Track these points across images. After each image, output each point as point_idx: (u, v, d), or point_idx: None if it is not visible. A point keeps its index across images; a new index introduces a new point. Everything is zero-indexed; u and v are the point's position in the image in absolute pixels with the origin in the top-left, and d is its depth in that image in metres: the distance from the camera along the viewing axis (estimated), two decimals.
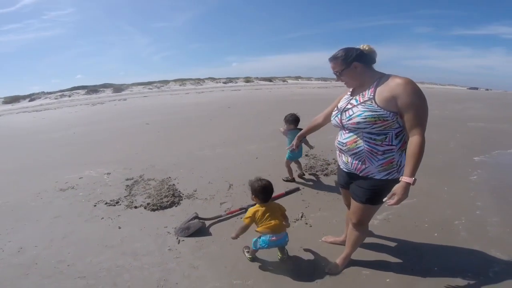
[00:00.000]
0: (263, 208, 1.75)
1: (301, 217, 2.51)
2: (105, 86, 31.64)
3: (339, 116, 1.47)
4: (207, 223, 2.43)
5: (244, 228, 1.81)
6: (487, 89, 66.23)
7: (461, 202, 2.81)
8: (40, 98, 28.09)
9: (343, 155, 1.52)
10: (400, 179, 1.27)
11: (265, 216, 1.73)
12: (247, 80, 37.57)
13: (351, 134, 1.42)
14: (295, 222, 2.44)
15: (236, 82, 36.24)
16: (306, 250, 2.07)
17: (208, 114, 9.04)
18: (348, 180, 1.58)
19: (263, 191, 1.75)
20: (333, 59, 1.41)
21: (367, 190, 1.44)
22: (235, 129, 6.52)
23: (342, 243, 1.96)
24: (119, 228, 2.44)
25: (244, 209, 2.60)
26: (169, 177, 3.45)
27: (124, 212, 2.70)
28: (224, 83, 35.71)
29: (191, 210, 2.62)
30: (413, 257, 1.96)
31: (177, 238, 2.24)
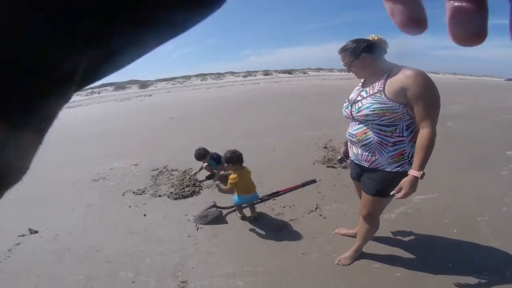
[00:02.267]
0: (243, 172, 2.20)
1: (316, 208, 2.54)
2: (131, 82, 33.10)
3: (349, 108, 1.48)
4: (224, 211, 2.56)
5: (226, 191, 2.21)
6: None
7: (488, 198, 2.66)
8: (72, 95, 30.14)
9: (353, 146, 1.52)
10: (408, 173, 1.27)
11: (244, 179, 2.20)
12: (266, 73, 37.26)
13: (361, 125, 1.42)
14: (309, 213, 2.48)
15: (255, 76, 36.12)
16: (318, 241, 2.11)
17: (228, 108, 9.19)
18: (360, 172, 1.57)
19: (240, 159, 2.19)
20: (342, 51, 1.41)
21: (377, 182, 1.43)
22: (254, 122, 6.60)
23: (354, 236, 1.97)
24: (144, 215, 2.64)
25: (260, 200, 2.69)
26: (191, 168, 3.62)
27: (149, 201, 2.91)
28: (244, 76, 35.76)
29: (210, 199, 2.75)
30: (426, 252, 1.92)
31: (196, 226, 2.40)
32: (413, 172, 1.24)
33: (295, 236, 2.19)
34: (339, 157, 1.95)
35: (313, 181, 3.06)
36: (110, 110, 12.48)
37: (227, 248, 2.11)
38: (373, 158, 1.40)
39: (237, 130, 5.81)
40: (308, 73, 37.66)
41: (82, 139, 6.50)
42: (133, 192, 3.12)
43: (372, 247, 1.93)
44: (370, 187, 1.48)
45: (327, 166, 3.47)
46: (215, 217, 2.44)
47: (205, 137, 5.30)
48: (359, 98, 1.42)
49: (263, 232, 2.27)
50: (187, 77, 36.12)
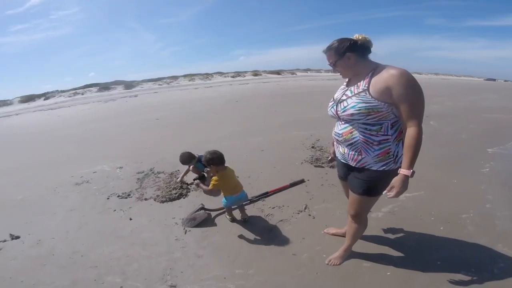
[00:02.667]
0: (225, 174, 2.13)
1: (305, 208, 2.54)
2: (116, 83, 32.22)
3: (334, 107, 1.47)
4: (213, 214, 2.52)
5: (208, 192, 2.12)
6: (505, 80, 62.90)
7: (471, 195, 2.74)
8: (54, 96, 28.98)
9: (340, 146, 1.52)
10: (398, 172, 1.27)
11: (229, 180, 2.15)
12: (255, 73, 37.32)
13: (347, 125, 1.42)
14: (298, 213, 2.48)
15: (244, 76, 36.09)
16: (308, 241, 2.10)
17: (215, 108, 9.12)
18: (346, 171, 1.57)
19: (221, 159, 2.12)
20: (328, 50, 1.41)
21: (364, 181, 1.44)
22: (241, 122, 6.57)
23: (344, 235, 1.97)
24: (130, 219, 2.55)
25: (249, 201, 2.66)
26: (178, 170, 3.54)
27: (135, 204, 2.82)
28: (232, 77, 35.63)
29: (198, 202, 2.69)
30: (415, 250, 1.94)
31: (184, 229, 2.34)
32: (403, 171, 1.25)
33: (285, 237, 2.17)
34: (330, 157, 1.93)
35: (302, 181, 3.07)
36: (93, 111, 12.07)
37: (216, 250, 2.07)
38: (360, 157, 1.40)
39: (224, 130, 5.77)
40: (296, 74, 38.05)
41: (64, 141, 6.24)
42: (118, 196, 3.01)
43: (362, 246, 1.94)
44: (357, 186, 1.48)
45: (315, 166, 3.50)
46: (204, 220, 2.40)
47: (192, 138, 5.23)
48: (344, 97, 1.42)
49: (253, 234, 2.24)
50: (175, 78, 35.60)
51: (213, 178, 2.10)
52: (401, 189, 1.26)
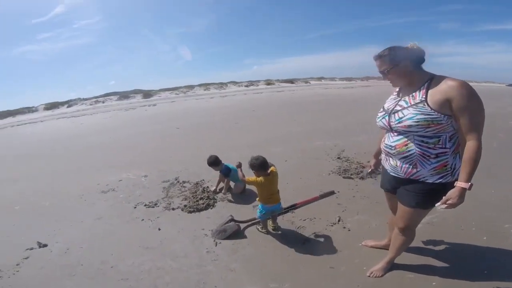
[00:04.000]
0: (265, 180, 2.10)
1: (338, 221, 2.45)
2: (135, 92, 33.39)
3: (386, 118, 1.42)
4: (242, 225, 2.46)
5: (242, 179, 2.20)
6: None
7: (510, 205, 2.61)
8: (76, 104, 30.38)
9: (390, 158, 1.46)
10: (455, 184, 1.24)
11: (266, 188, 2.14)
12: (268, 82, 37.58)
13: (401, 137, 1.36)
14: (331, 226, 2.40)
15: (257, 85, 36.40)
16: (345, 254, 2.03)
17: (233, 118, 9.16)
18: (395, 184, 1.52)
19: (262, 165, 2.10)
20: (379, 57, 1.36)
21: (418, 194, 1.38)
22: (261, 131, 6.54)
23: (384, 248, 1.94)
24: (159, 229, 2.53)
25: (286, 211, 2.59)
26: (203, 180, 3.53)
27: (162, 214, 2.81)
28: (246, 86, 36.03)
29: (226, 213, 2.65)
30: (459, 260, 1.88)
31: (214, 241, 2.29)
32: (461, 184, 1.22)
33: (320, 249, 2.10)
34: (369, 170, 1.88)
35: (332, 193, 2.96)
36: (115, 120, 12.48)
37: (248, 263, 2.00)
38: (414, 170, 1.35)
39: (243, 139, 5.75)
40: (310, 82, 37.95)
41: (89, 148, 6.45)
42: (145, 205, 3.02)
43: (402, 258, 1.85)
44: (409, 199, 1.43)
45: (344, 177, 3.37)
46: (234, 232, 2.34)
47: (213, 148, 5.21)
48: (398, 108, 1.37)
49: (285, 246, 2.16)
50: (190, 87, 36.43)
51: (253, 177, 2.14)
52: (458, 200, 1.23)
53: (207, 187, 3.30)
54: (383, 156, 1.56)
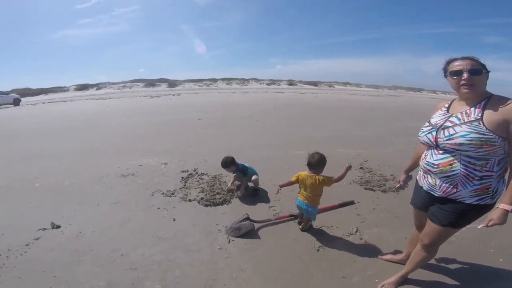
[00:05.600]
0: (305, 177, 2.19)
1: (356, 231, 2.36)
2: (161, 81, 34.45)
3: (433, 133, 1.33)
4: (256, 225, 2.41)
5: (289, 182, 2.28)
6: None
7: None
8: (105, 87, 31.91)
9: (429, 176, 1.40)
10: (497, 206, 1.22)
11: (302, 183, 2.21)
12: (290, 83, 37.24)
13: (447, 155, 1.29)
14: (348, 236, 2.31)
15: (279, 85, 36.22)
16: (359, 265, 1.96)
17: (254, 115, 9.14)
18: (429, 202, 1.46)
19: (308, 164, 2.17)
20: (470, 58, 1.26)
21: (452, 213, 1.34)
22: (280, 132, 6.46)
23: (399, 262, 1.90)
24: (174, 220, 2.52)
25: (294, 216, 2.53)
26: (221, 174, 3.52)
27: (178, 204, 2.82)
28: (268, 84, 35.97)
29: (241, 210, 2.62)
30: (472, 279, 1.83)
31: (227, 237, 2.26)
32: (505, 206, 1.19)
33: (333, 258, 2.03)
34: (398, 185, 1.81)
35: (352, 203, 2.86)
36: (140, 105, 12.91)
37: (260, 265, 1.96)
38: (454, 190, 1.30)
39: (263, 139, 5.69)
40: (334, 86, 37.13)
41: (112, 131, 6.69)
42: (162, 193, 3.05)
43: (415, 274, 1.78)
44: (441, 217, 1.38)
45: (365, 188, 3.23)
46: (248, 231, 2.30)
47: (232, 143, 5.24)
48: (448, 124, 1.29)
49: (299, 251, 2.10)
50: (214, 80, 37.03)
51: (299, 173, 2.24)
52: (499, 222, 1.21)
53: (225, 181, 3.28)
54: (420, 173, 1.50)
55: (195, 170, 3.71)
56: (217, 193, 2.94)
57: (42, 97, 26.32)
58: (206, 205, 2.76)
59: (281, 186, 2.28)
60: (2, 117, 11.60)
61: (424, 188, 1.45)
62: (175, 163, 4.05)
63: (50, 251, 2.12)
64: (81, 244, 2.20)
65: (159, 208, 2.75)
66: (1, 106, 17.14)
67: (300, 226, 2.38)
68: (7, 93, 18.90)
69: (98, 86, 32.44)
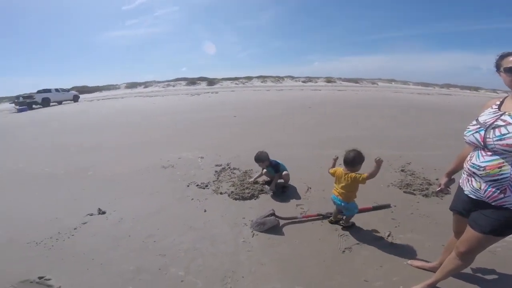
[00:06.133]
0: (340, 173, 2.18)
1: (388, 236, 2.23)
2: (201, 79, 36.09)
3: (481, 133, 1.22)
4: (282, 222, 2.42)
5: (332, 166, 2.30)
6: None
7: None
8: (152, 85, 34.55)
9: (474, 179, 1.28)
10: None
11: (337, 179, 2.22)
12: (329, 80, 35.85)
13: (496, 157, 1.17)
14: (379, 239, 2.20)
15: (316, 82, 35.15)
16: (385, 270, 1.86)
17: (288, 112, 9.06)
18: (471, 207, 1.35)
19: (344, 161, 2.13)
20: None
21: (495, 221, 1.24)
22: (316, 130, 6.30)
23: (430, 270, 1.78)
24: (205, 211, 2.66)
25: (322, 216, 2.48)
26: (251, 169, 3.60)
27: (210, 196, 2.97)
28: (303, 82, 35.19)
29: (268, 206, 2.64)
30: None
31: (252, 231, 2.31)
32: None
33: (359, 260, 1.95)
34: (439, 189, 1.68)
35: (387, 206, 2.69)
36: (182, 103, 13.73)
37: (281, 261, 1.97)
38: (501, 196, 1.19)
39: (298, 137, 5.62)
40: (377, 84, 34.75)
41: (157, 126, 7.27)
42: (197, 185, 3.23)
43: (445, 283, 1.64)
44: (483, 224, 1.28)
45: (405, 192, 3.00)
46: (273, 226, 2.32)
47: (265, 140, 5.27)
48: (500, 122, 1.17)
49: (322, 251, 2.05)
50: (249, 78, 37.54)
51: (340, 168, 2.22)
52: None
53: (253, 180, 3.34)
54: (464, 175, 1.38)
55: (228, 165, 3.85)
56: (246, 188, 3.02)
57: (97, 94, 29.63)
58: (235, 199, 2.85)
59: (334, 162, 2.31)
60: (63, 112, 13.44)
61: (466, 192, 1.34)
62: (210, 157, 4.25)
63: (94, 235, 2.35)
64: (121, 229, 2.41)
65: (192, 199, 2.93)
66: (63, 102, 19.79)
67: (341, 222, 2.36)
68: (68, 90, 21.81)
69: (145, 84, 35.33)
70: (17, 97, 17.96)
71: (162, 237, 2.28)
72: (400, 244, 2.12)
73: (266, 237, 2.24)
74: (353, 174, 2.08)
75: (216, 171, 3.64)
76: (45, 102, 18.23)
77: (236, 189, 3.03)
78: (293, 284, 1.74)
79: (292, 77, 38.59)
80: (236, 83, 34.12)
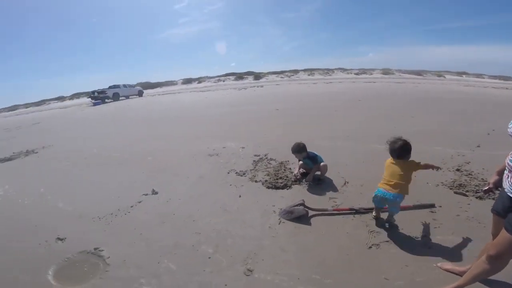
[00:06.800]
0: (388, 163, 2.08)
1: (423, 236, 2.09)
2: (248, 73, 36.85)
3: None
4: (311, 213, 2.44)
5: None
6: None
7: None
8: (204, 81, 36.73)
9: None
10: None
11: (387, 171, 2.07)
12: (386, 72, 32.68)
13: None
14: (412, 239, 2.08)
15: (371, 74, 32.42)
16: (410, 270, 1.77)
17: (334, 105, 8.71)
18: (509, 206, 1.28)
19: (391, 151, 2.06)
20: None
21: None
22: (364, 124, 5.95)
23: (460, 274, 1.65)
24: (240, 197, 2.86)
25: (355, 211, 2.43)
26: (287, 161, 3.68)
27: (246, 184, 3.16)
28: (356, 74, 32.83)
29: (300, 196, 2.70)
30: None
31: (279, 219, 2.40)
32: None
33: (384, 258, 1.88)
34: (486, 188, 1.56)
35: (431, 206, 2.48)
36: (230, 97, 14.37)
37: (302, 250, 2.02)
38: None
39: (342, 130, 5.41)
40: (444, 76, 30.38)
41: (208, 118, 7.86)
42: (236, 173, 3.47)
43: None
44: None
45: (455, 192, 2.70)
46: (300, 216, 2.37)
47: (306, 133, 5.22)
48: None
49: (348, 245, 2.03)
50: (295, 71, 36.76)
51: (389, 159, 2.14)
52: None
53: (290, 168, 3.42)
54: (505, 172, 1.27)
55: (265, 155, 4.00)
56: (280, 178, 3.12)
57: (157, 89, 32.89)
58: (268, 187, 2.98)
59: None
60: (129, 105, 15.37)
61: (506, 190, 1.24)
62: (250, 147, 4.48)
63: (146, 213, 2.71)
64: (168, 209, 2.75)
65: (231, 185, 3.17)
66: (130, 97, 22.52)
67: (385, 220, 2.25)
68: (133, 86, 24.69)
69: (199, 80, 37.74)
70: (92, 92, 21.10)
71: (200, 217, 2.54)
72: (436, 244, 1.99)
73: (292, 226, 2.31)
74: (408, 161, 2.03)
75: (254, 161, 3.83)
76: (115, 97, 21.08)
77: (270, 178, 3.16)
78: (310, 273, 1.79)
79: (343, 69, 36.45)
80: (281, 77, 33.84)
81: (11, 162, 5.41)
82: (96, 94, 20.57)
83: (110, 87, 21.45)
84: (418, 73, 32.43)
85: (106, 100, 20.43)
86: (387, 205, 2.14)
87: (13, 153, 6.09)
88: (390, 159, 2.08)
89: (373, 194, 2.16)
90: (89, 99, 21.55)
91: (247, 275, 1.80)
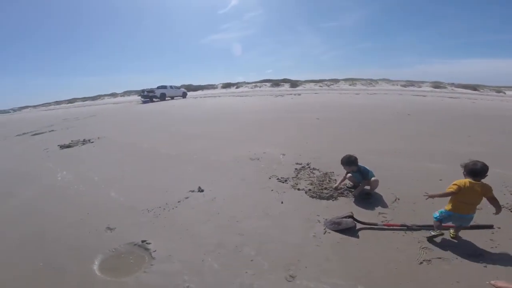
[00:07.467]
0: (471, 185, 1.98)
1: (478, 254, 1.96)
2: (285, 81, 36.91)
3: None
4: (359, 226, 2.38)
5: (447, 194, 2.05)
6: None
7: None
8: (242, 86, 37.73)
9: None
10: None
11: (467, 192, 1.98)
12: (436, 85, 30.12)
13: None
14: (465, 257, 1.97)
15: (420, 86, 30.16)
16: (462, 286, 1.69)
17: (380, 118, 8.30)
18: None
19: (471, 172, 2.02)
20: None
21: None
22: (414, 140, 5.55)
23: None
24: (282, 203, 2.89)
25: (406, 227, 2.32)
26: (332, 172, 3.62)
27: (288, 190, 3.18)
28: (403, 86, 30.81)
29: (346, 209, 2.65)
30: None
31: (324, 229, 2.38)
32: None
33: (435, 274, 1.80)
34: None
35: (489, 226, 2.30)
36: (267, 103, 14.58)
37: (348, 260, 1.98)
38: None
39: (390, 144, 5.14)
40: (504, 92, 26.98)
41: (247, 123, 8.06)
42: (277, 179, 3.52)
43: None
44: None
45: None
46: (348, 228, 2.32)
47: (351, 145, 5.06)
48: None
49: (397, 260, 1.96)
50: (335, 80, 35.84)
51: (459, 180, 2.07)
52: None
53: (335, 179, 3.35)
54: None
55: (308, 164, 3.98)
56: (325, 188, 3.09)
57: (199, 92, 34.67)
58: (312, 197, 2.97)
59: (432, 196, 2.11)
60: (175, 106, 16.44)
61: None
62: (291, 155, 4.50)
63: (192, 209, 2.85)
64: (213, 207, 2.85)
65: (272, 190, 3.22)
66: (174, 98, 24.02)
67: (453, 235, 2.21)
68: (178, 87, 26.30)
69: (237, 85, 38.91)
70: (142, 91, 22.94)
71: (243, 218, 2.60)
72: (491, 264, 1.86)
73: (339, 237, 2.27)
74: (487, 184, 2.00)
75: (296, 169, 3.84)
76: (162, 97, 22.69)
77: (314, 187, 3.15)
78: (355, 283, 1.76)
79: (388, 80, 34.56)
80: (320, 86, 33.24)
81: (70, 149, 6.12)
82: (145, 92, 22.33)
83: (158, 87, 23.06)
84: (474, 87, 29.33)
85: (154, 100, 22.03)
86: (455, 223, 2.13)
87: (72, 141, 6.92)
88: (467, 180, 2.02)
89: (436, 213, 2.14)
90: (139, 97, 23.41)
91: (288, 281, 1.82)
